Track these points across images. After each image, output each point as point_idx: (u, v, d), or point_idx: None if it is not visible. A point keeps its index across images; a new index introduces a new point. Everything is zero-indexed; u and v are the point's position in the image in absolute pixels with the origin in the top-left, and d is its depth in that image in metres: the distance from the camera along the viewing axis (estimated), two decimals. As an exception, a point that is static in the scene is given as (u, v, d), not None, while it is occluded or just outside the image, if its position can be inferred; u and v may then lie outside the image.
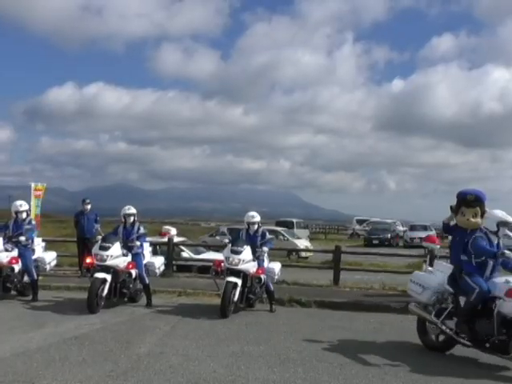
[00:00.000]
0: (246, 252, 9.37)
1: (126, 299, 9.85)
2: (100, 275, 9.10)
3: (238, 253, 9.29)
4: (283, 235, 25.84)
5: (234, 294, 9.04)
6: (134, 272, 9.71)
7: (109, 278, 9.18)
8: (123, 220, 10.10)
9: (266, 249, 9.81)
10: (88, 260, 9.78)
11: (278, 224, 32.38)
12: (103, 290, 9.12)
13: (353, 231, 50.30)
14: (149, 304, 9.87)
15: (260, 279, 9.48)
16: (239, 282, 9.13)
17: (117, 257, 9.41)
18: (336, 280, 12.89)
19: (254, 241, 9.85)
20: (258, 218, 10.10)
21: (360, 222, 51.55)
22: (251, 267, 9.44)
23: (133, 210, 10.18)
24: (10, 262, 9.95)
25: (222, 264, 9.48)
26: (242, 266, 9.23)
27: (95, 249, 9.49)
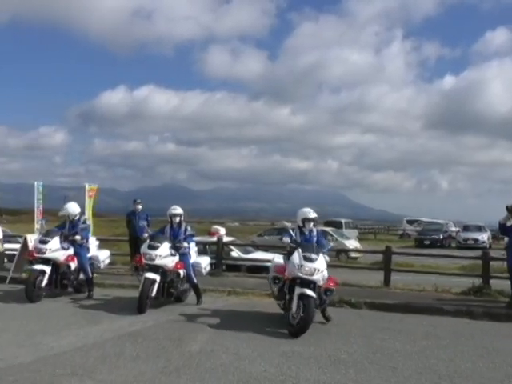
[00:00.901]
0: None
1: (172, 299, 9.90)
2: (150, 275, 9.12)
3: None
4: (332, 235, 25.64)
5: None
6: (182, 272, 9.75)
7: (158, 278, 9.21)
8: (169, 220, 10.14)
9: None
10: (137, 259, 9.90)
11: (327, 224, 32.17)
12: (152, 290, 9.14)
13: (403, 232, 49.39)
14: (199, 302, 9.99)
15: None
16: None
17: (165, 256, 9.38)
18: (386, 281, 12.70)
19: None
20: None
21: (410, 222, 50.55)
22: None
23: (179, 210, 10.17)
24: (66, 259, 10.31)
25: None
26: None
27: (144, 248, 9.47)
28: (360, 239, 33.00)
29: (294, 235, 8.82)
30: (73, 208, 10.75)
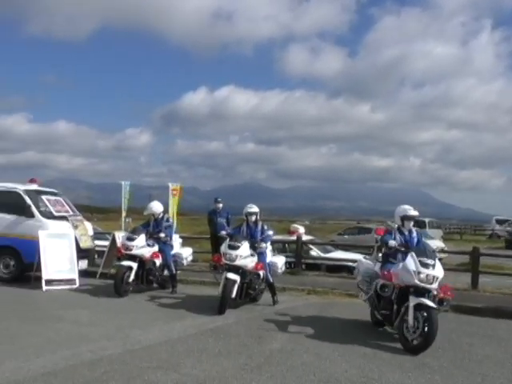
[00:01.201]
0: (244, 247, 9.15)
1: (248, 299, 9.81)
2: (231, 276, 8.97)
3: (236, 248, 9.06)
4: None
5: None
6: (261, 273, 9.62)
7: (238, 279, 9.07)
8: (245, 218, 10.03)
9: (162, 235, 10.68)
10: (215, 257, 9.92)
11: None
12: (232, 291, 8.98)
13: (492, 232, 46.97)
14: (275, 302, 9.93)
15: (258, 275, 9.42)
16: (238, 278, 8.96)
17: (246, 257, 9.23)
18: (474, 283, 12.13)
19: (255, 235, 9.74)
20: (255, 209, 9.92)
21: (500, 222, 47.96)
22: (249, 262, 9.22)
23: (255, 209, 10.01)
24: (152, 256, 10.70)
25: (222, 259, 9.19)
26: (239, 262, 9.01)
27: (224, 247, 9.30)
28: (445, 239, 31.72)
29: (396, 236, 7.92)
30: (156, 207, 11.14)
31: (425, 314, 6.70)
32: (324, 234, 32.31)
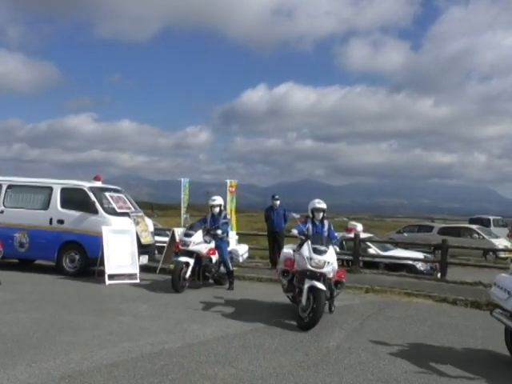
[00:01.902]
0: (197, 235, 10.54)
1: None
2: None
3: (189, 235, 10.50)
4: (478, 233, 24.04)
5: (186, 272, 10.33)
6: (214, 258, 10.78)
7: (191, 261, 10.41)
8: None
9: (219, 231, 10.85)
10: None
11: (472, 221, 30.19)
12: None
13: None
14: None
15: (211, 259, 10.74)
16: (191, 261, 10.40)
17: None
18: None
19: (217, 224, 10.93)
20: (218, 201, 11.12)
21: None
22: (203, 248, 10.57)
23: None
24: (208, 252, 10.83)
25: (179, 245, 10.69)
26: (192, 248, 10.42)
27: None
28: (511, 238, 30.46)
29: (304, 227, 8.66)
30: (220, 200, 11.38)
31: (315, 295, 7.52)
32: (382, 232, 31.76)
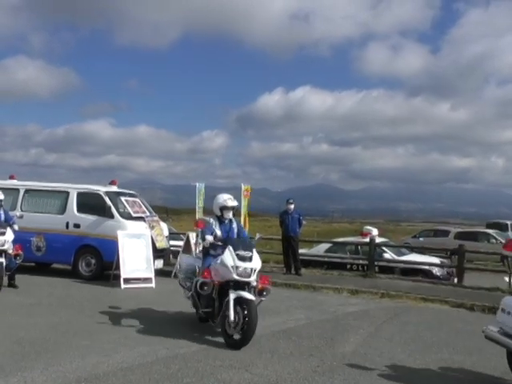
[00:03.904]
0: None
1: None
2: (249, 296, 7.18)
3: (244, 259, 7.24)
4: (496, 238, 23.74)
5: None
6: None
7: (253, 297, 9.16)
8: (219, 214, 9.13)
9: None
10: None
11: (490, 226, 29.83)
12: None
13: None
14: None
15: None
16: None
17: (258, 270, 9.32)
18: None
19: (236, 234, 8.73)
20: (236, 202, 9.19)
21: None
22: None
23: (234, 203, 7.80)
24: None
25: None
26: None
27: (233, 260, 6.84)
28: (529, 243, 30.06)
29: (214, 230, 7.47)
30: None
31: (244, 307, 6.61)
32: (398, 237, 31.55)
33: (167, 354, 6.12)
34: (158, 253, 12.45)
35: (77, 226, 12.49)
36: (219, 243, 7.25)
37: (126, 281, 11.32)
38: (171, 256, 13.96)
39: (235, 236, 7.53)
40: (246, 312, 6.57)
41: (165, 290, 11.04)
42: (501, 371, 5.96)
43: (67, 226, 12.55)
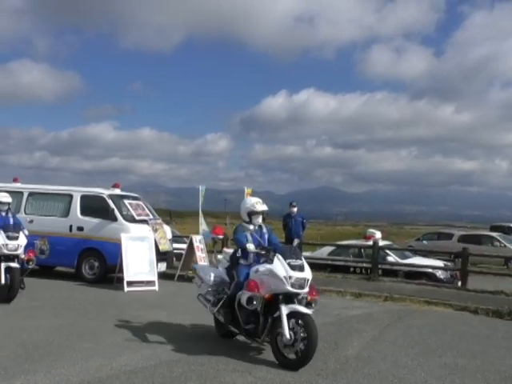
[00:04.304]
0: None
1: None
2: (306, 310, 7.68)
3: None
4: (500, 241, 23.67)
5: None
6: None
7: (310, 311, 8.75)
8: (247, 219, 7.16)
9: None
10: None
11: (493, 229, 29.76)
12: None
13: None
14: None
15: None
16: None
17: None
18: None
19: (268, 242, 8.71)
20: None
21: None
22: None
23: (264, 207, 7.07)
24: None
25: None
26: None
27: (285, 270, 6.09)
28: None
29: (248, 236, 6.78)
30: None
31: (300, 323, 5.88)
32: (401, 240, 31.50)
33: (170, 358, 6.12)
34: (161, 256, 12.46)
35: (80, 228, 12.51)
36: (263, 252, 6.53)
37: (130, 284, 11.33)
38: (174, 259, 13.97)
39: (266, 243, 6.82)
40: (302, 328, 5.85)
41: (168, 293, 11.05)
42: (505, 375, 5.94)
43: (71, 229, 12.57)
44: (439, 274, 14.94)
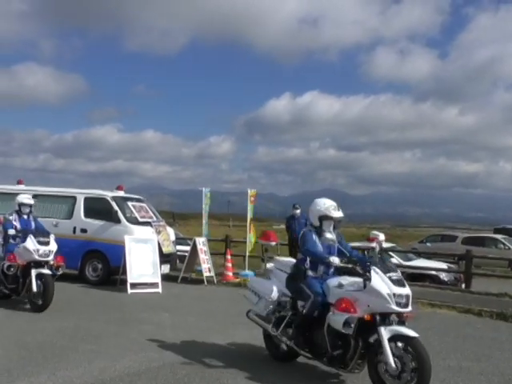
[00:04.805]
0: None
1: None
2: (413, 333, 7.52)
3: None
4: (504, 244, 23.60)
5: None
6: None
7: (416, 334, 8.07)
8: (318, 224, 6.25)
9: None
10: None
11: (497, 231, 29.67)
12: None
13: None
14: None
15: None
16: None
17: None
18: None
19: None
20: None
21: None
22: None
23: (340, 214, 6.32)
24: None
25: None
26: None
27: (388, 286, 5.19)
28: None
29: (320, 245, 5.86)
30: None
31: (408, 349, 4.99)
32: (405, 242, 31.44)
33: (174, 360, 6.12)
34: (164, 258, 12.46)
35: (84, 230, 12.53)
36: (349, 265, 5.55)
37: (133, 286, 11.33)
38: (178, 261, 13.97)
39: (336, 252, 5.88)
40: (410, 355, 4.92)
41: (171, 295, 11.05)
42: (510, 377, 5.92)
43: (74, 231, 12.59)
44: (443, 276, 14.90)
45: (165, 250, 12.64)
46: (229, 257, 13.72)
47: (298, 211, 14.45)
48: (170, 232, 13.65)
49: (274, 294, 6.02)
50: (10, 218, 9.59)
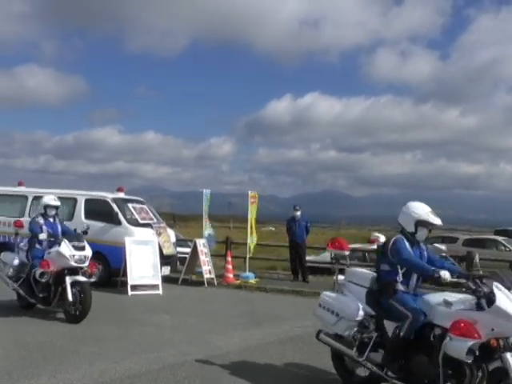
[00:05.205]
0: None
1: None
2: None
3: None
4: (504, 245, 23.57)
5: None
6: None
7: None
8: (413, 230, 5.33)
9: None
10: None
11: (498, 233, 29.62)
12: None
13: None
14: None
15: None
16: None
17: None
18: None
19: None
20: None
21: None
22: None
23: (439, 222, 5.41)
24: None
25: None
26: None
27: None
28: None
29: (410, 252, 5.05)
30: None
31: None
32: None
33: (174, 361, 6.11)
34: (165, 259, 12.44)
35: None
36: (462, 280, 4.80)
37: (133, 287, 11.32)
38: (178, 263, 13.96)
39: (426, 260, 5.18)
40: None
41: (172, 297, 11.04)
42: None
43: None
44: (444, 277, 14.86)
45: (165, 251, 12.63)
46: (229, 259, 13.72)
47: (299, 213, 14.42)
48: (171, 234, 13.64)
49: (361, 314, 5.16)
50: (41, 221, 8.74)
